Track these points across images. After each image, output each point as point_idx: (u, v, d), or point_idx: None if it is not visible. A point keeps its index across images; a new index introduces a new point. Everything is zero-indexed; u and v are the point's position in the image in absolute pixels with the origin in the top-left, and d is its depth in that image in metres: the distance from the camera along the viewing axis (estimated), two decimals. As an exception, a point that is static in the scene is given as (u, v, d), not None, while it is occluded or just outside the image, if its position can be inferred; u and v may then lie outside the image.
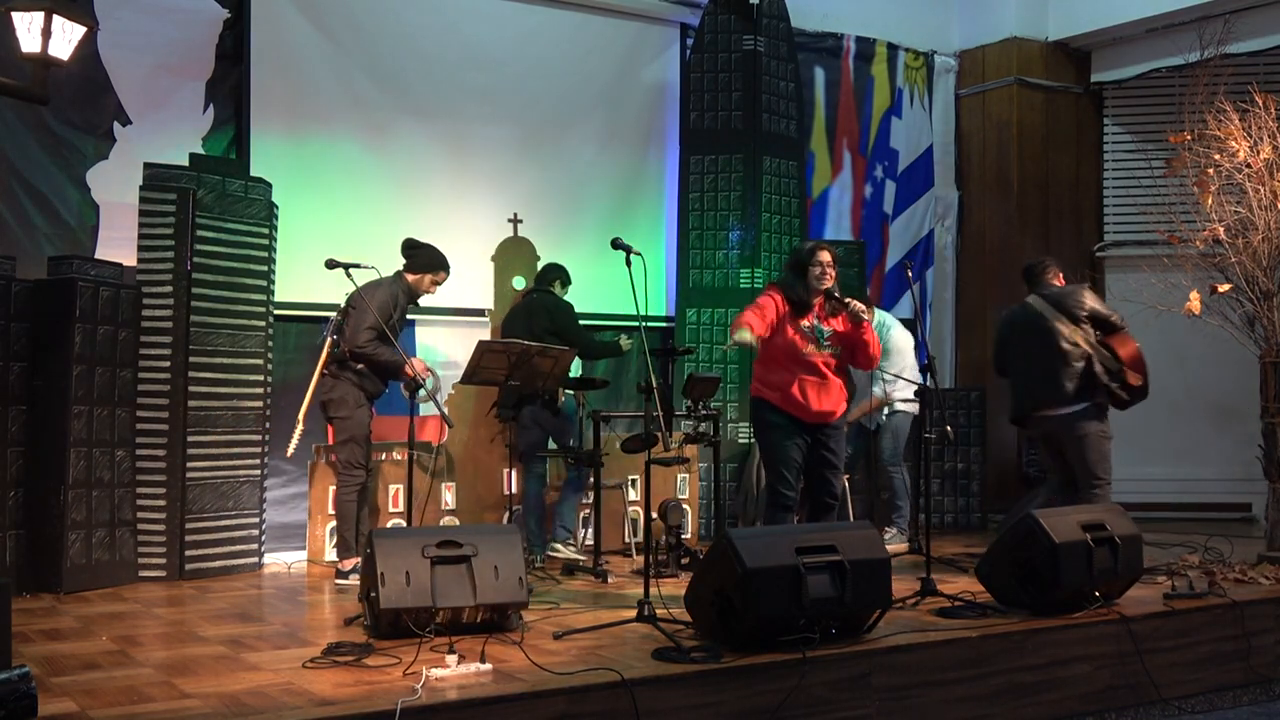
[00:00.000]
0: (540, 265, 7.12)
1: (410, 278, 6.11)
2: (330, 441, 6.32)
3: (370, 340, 5.80)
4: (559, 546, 6.52)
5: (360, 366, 5.94)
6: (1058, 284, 6.16)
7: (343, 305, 6.08)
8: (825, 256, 5.21)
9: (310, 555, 6.59)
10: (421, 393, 6.00)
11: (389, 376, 6.06)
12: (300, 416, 6.07)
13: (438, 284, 6.20)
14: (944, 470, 8.36)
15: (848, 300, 5.25)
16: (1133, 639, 4.76)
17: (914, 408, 7.05)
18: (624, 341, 6.87)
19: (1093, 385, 5.78)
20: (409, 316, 6.63)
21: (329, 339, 6.02)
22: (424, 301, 6.90)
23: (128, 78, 6.56)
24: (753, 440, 7.09)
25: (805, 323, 5.25)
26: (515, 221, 7.33)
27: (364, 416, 6.01)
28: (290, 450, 6.15)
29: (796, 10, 8.26)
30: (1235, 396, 8.07)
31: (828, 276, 5.21)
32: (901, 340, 7.19)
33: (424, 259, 6.12)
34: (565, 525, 6.60)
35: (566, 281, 6.80)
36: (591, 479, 6.36)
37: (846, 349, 5.37)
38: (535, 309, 6.63)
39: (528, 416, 6.37)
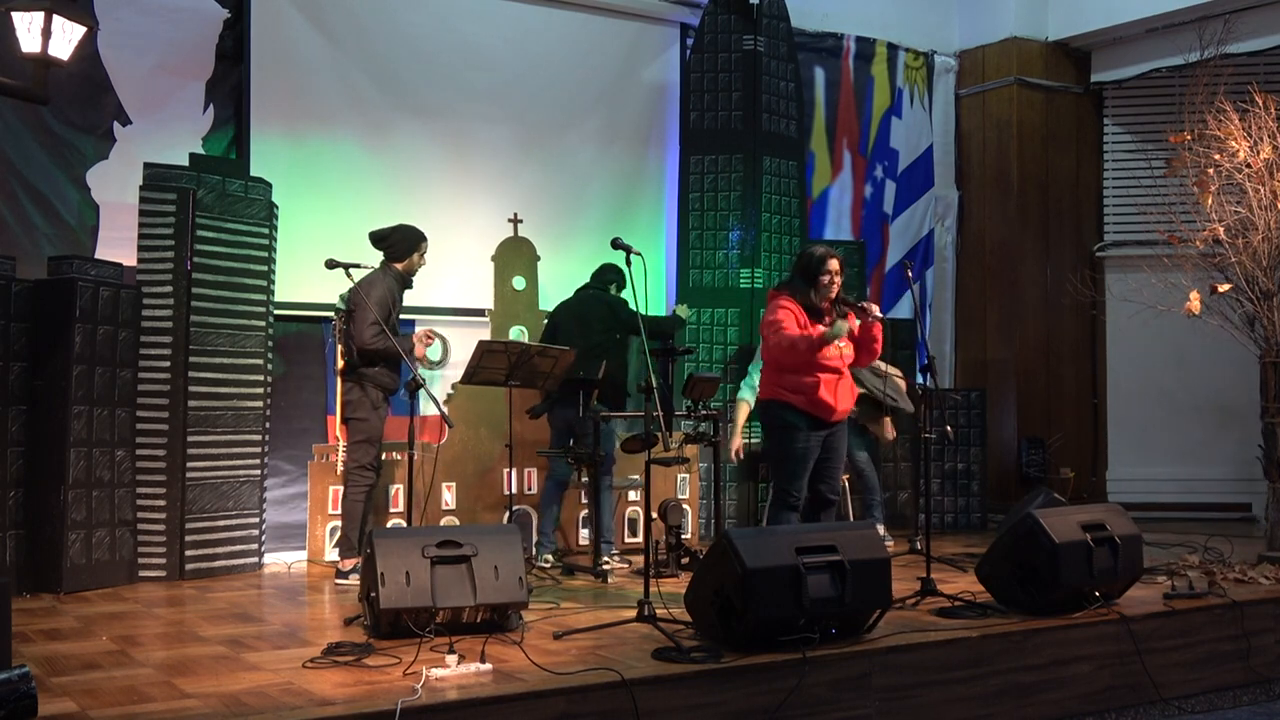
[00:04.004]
0: (539, 263, 7.14)
1: (398, 265, 6.08)
2: (341, 440, 6.32)
3: (376, 335, 5.77)
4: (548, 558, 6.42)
5: (378, 367, 5.93)
6: None
7: (342, 308, 6.07)
8: (834, 265, 5.22)
9: (310, 555, 6.59)
10: (430, 351, 6.04)
11: (398, 360, 6.01)
12: (340, 433, 6.14)
13: (424, 255, 6.16)
14: (944, 470, 8.35)
15: (862, 304, 5.27)
16: (1133, 639, 4.76)
17: None
18: (682, 310, 7.06)
19: None
20: (407, 317, 6.62)
21: (339, 346, 6.02)
22: (424, 301, 6.92)
23: (128, 78, 6.56)
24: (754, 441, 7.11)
25: (822, 326, 5.25)
26: (515, 221, 7.33)
27: (379, 420, 6.00)
28: (340, 469, 6.34)
29: (796, 10, 8.26)
30: (1235, 396, 8.06)
31: (835, 285, 5.24)
32: None
33: (402, 245, 6.07)
34: (548, 533, 6.53)
35: (622, 285, 6.67)
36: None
37: (855, 347, 5.41)
38: (589, 304, 6.56)
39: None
